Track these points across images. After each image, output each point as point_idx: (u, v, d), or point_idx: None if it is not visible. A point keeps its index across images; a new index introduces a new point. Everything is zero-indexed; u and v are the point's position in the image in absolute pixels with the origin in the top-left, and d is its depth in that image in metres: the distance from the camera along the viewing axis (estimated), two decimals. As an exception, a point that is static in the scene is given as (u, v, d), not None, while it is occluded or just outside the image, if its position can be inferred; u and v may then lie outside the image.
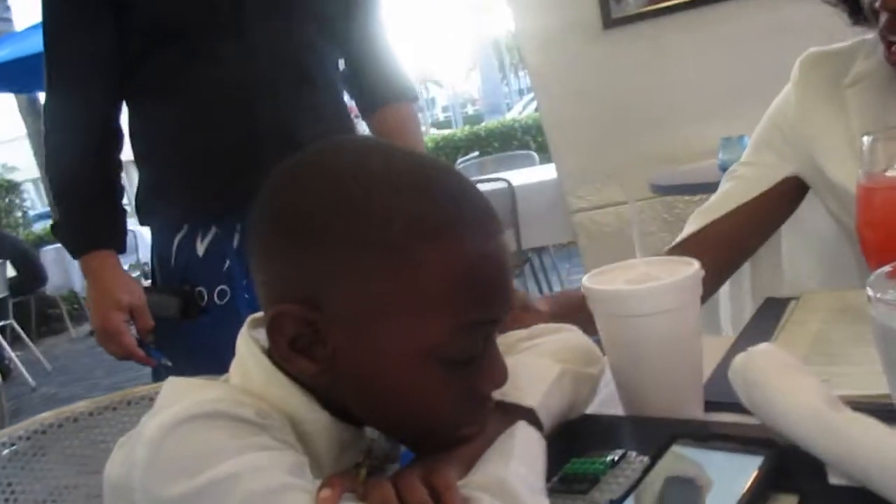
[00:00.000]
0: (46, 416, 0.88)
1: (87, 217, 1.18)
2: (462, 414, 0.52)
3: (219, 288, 1.18)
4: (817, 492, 0.48)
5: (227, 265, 1.18)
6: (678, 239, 0.98)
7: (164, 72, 1.15)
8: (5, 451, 0.83)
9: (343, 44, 1.28)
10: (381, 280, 0.47)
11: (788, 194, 0.97)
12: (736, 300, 1.07)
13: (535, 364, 0.61)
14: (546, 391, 0.58)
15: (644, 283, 0.63)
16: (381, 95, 1.30)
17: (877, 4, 0.77)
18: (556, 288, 4.19)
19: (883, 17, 0.78)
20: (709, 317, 1.12)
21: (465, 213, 0.49)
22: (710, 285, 0.96)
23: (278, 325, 0.49)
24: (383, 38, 1.31)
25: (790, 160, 0.96)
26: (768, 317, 0.84)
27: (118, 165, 1.24)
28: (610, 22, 2.46)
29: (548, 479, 0.52)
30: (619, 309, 0.63)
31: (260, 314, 0.57)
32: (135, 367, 1.26)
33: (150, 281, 1.30)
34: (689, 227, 0.98)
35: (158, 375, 1.23)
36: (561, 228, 3.04)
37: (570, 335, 0.67)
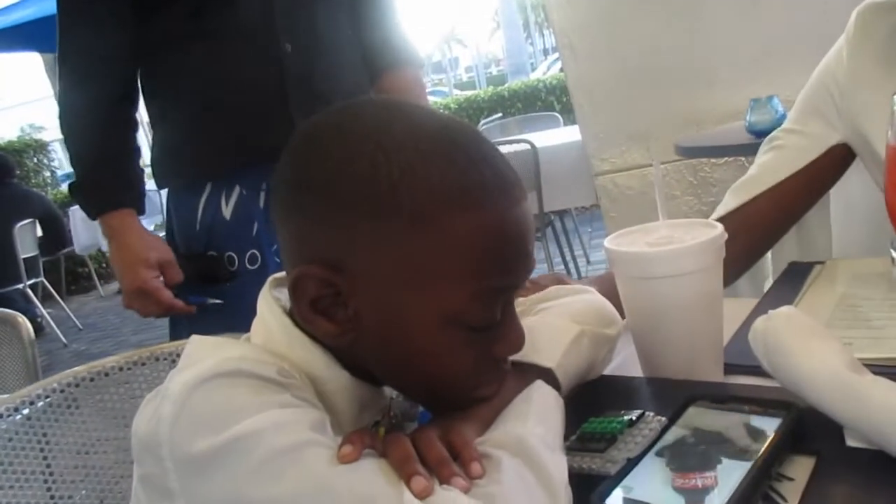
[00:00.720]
0: (79, 369, 0.91)
1: (104, 176, 1.16)
2: (479, 376, 0.52)
3: (249, 252, 1.18)
4: (835, 454, 0.49)
5: (255, 229, 1.18)
6: (716, 214, 0.94)
7: (181, 20, 1.13)
8: (40, 403, 0.86)
9: (347, 7, 1.26)
10: (402, 246, 0.48)
11: (835, 163, 0.91)
12: (778, 263, 1.04)
13: (554, 325, 0.61)
14: (564, 352, 0.59)
15: (666, 245, 0.62)
16: (383, 60, 1.28)
17: None
18: (578, 251, 4.18)
19: None
20: (754, 281, 1.09)
21: (490, 180, 0.49)
22: (753, 258, 0.95)
23: (300, 286, 0.50)
24: (387, 2, 1.29)
25: (838, 128, 0.89)
26: (792, 281, 0.83)
27: (134, 124, 1.22)
28: (638, -21, 2.39)
29: (566, 438, 0.53)
30: (641, 271, 0.63)
31: (282, 274, 0.58)
32: (162, 325, 1.28)
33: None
34: (730, 202, 0.93)
35: (178, 334, 1.25)
36: (584, 191, 3.02)
37: (588, 296, 0.67)
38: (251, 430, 0.43)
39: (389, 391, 0.57)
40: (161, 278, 1.16)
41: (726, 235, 0.63)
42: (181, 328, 1.23)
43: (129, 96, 1.21)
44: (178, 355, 1.10)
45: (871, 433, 0.47)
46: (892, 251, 0.29)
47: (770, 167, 0.93)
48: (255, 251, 1.18)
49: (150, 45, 1.18)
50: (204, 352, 0.50)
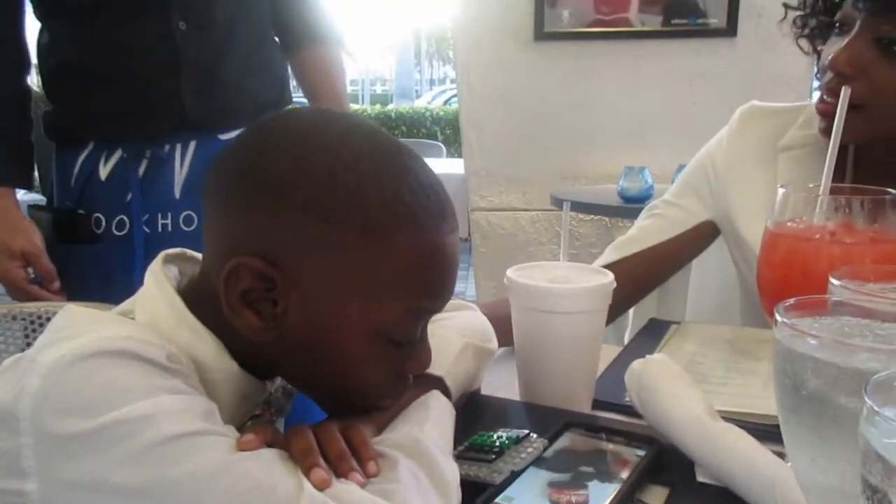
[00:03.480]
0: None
1: None
2: (387, 387, 0.55)
3: (118, 218, 1.14)
4: (686, 487, 0.56)
5: (129, 197, 1.13)
6: (597, 263, 1.02)
7: None
8: None
9: None
10: (348, 255, 0.49)
11: (703, 236, 1.04)
12: (638, 317, 1.15)
13: (443, 336, 0.65)
14: (452, 362, 0.63)
15: (564, 283, 0.68)
16: (304, 33, 1.28)
17: (827, 62, 0.80)
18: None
19: (826, 76, 0.83)
20: (617, 330, 1.20)
21: (434, 206, 0.52)
22: (621, 308, 1.04)
23: (236, 275, 0.49)
24: None
25: (709, 208, 1.01)
26: (651, 335, 0.93)
27: (27, 92, 1.15)
28: (542, 35, 2.54)
29: (455, 447, 0.56)
30: (539, 303, 0.68)
31: (174, 250, 0.56)
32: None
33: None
34: (610, 255, 1.03)
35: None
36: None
37: (470, 313, 0.72)
38: (140, 415, 0.42)
39: (271, 385, 0.57)
40: (30, 269, 1.10)
41: (615, 284, 0.69)
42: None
43: (22, 61, 1.15)
44: (41, 318, 1.03)
45: (720, 472, 0.54)
46: (776, 315, 0.34)
47: (648, 231, 1.03)
48: (124, 217, 1.13)
49: (50, 10, 1.13)
50: (81, 324, 0.47)
